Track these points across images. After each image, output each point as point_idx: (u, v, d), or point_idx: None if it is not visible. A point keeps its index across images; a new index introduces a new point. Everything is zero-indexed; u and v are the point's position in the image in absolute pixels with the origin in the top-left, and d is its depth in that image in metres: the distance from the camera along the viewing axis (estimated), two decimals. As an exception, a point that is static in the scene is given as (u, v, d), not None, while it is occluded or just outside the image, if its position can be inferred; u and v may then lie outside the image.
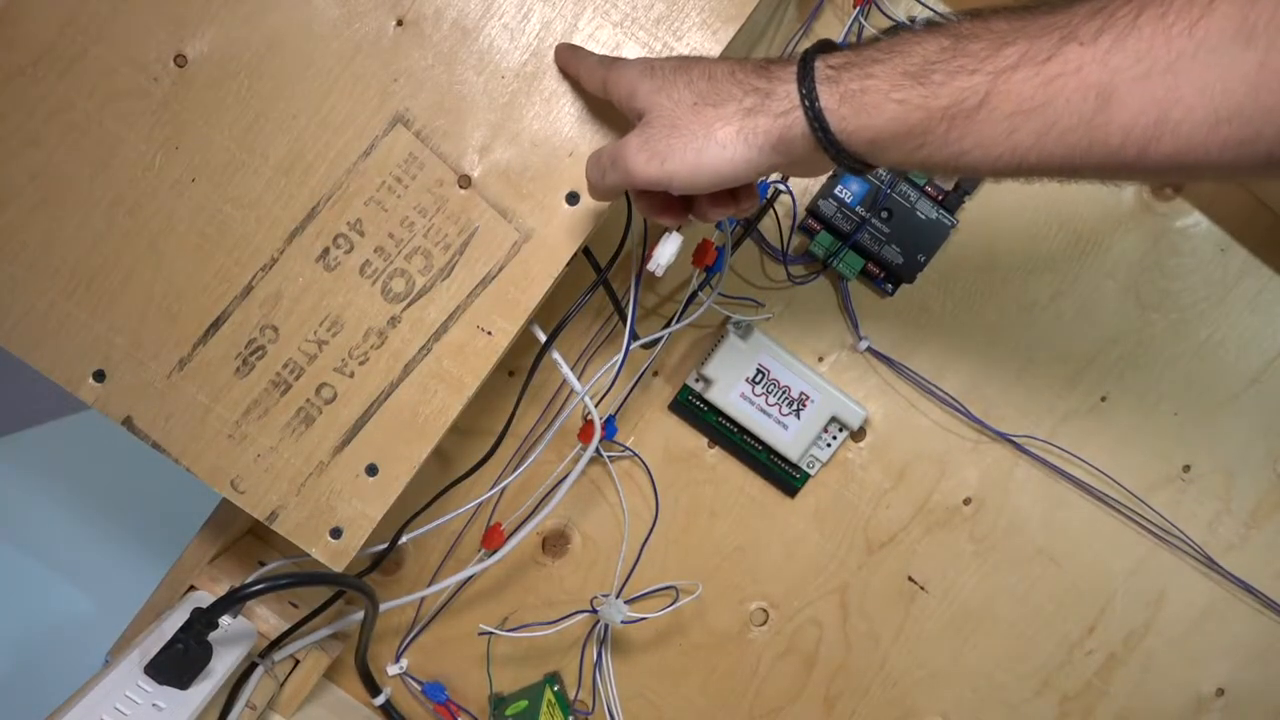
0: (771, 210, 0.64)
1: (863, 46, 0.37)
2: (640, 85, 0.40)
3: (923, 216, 0.62)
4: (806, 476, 0.66)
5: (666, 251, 0.44)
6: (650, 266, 0.44)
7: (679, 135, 0.38)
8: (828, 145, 0.36)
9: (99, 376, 0.47)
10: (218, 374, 0.47)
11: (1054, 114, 0.32)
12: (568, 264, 0.48)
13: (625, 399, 0.65)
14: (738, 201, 0.43)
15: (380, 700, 0.64)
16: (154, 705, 0.46)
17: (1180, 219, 0.65)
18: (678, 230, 0.44)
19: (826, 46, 0.38)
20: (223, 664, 0.51)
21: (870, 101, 0.35)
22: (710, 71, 0.39)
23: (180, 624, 0.48)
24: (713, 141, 0.38)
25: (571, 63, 0.45)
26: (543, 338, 0.53)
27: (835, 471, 0.67)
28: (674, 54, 0.46)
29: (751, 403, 0.64)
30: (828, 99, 0.36)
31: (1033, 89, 0.32)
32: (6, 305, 0.46)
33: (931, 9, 0.61)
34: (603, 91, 0.42)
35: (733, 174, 0.38)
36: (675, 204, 0.44)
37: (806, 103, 0.36)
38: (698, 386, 0.65)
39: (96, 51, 0.45)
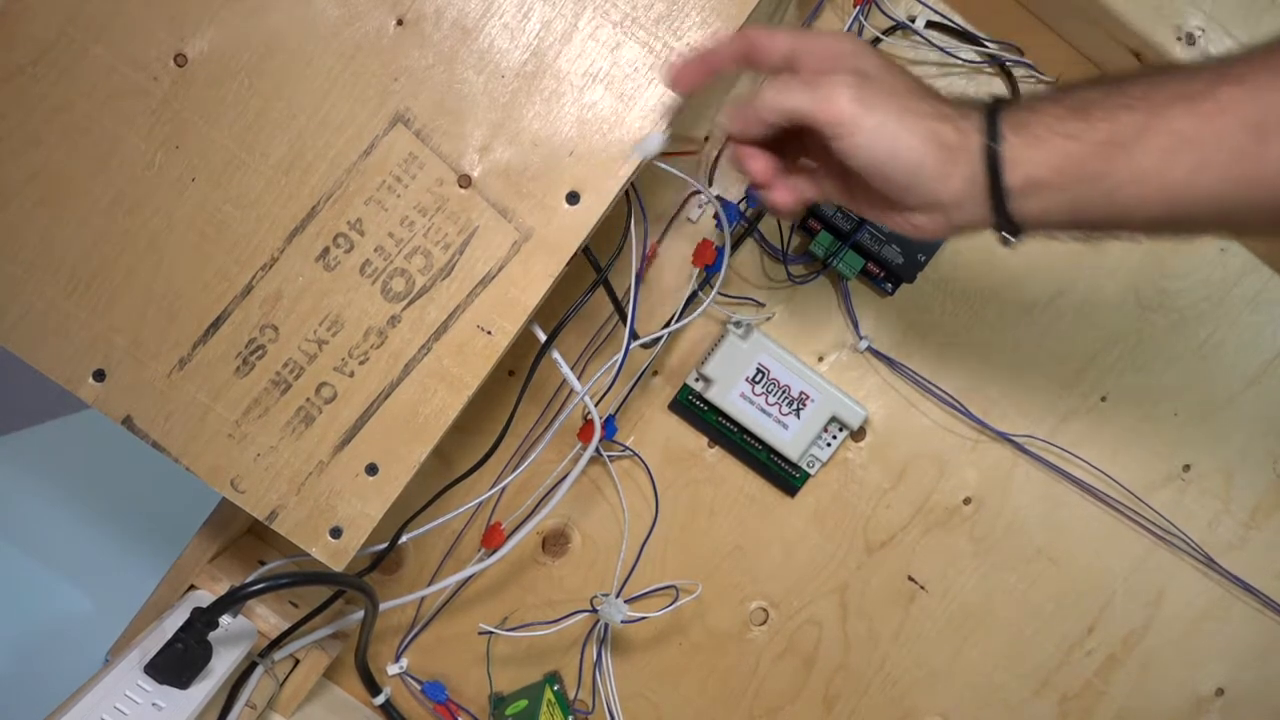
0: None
1: (1039, 93, 0.40)
2: (862, 52, 0.40)
3: (923, 216, 0.62)
4: (806, 476, 0.66)
5: (654, 139, 0.45)
6: (634, 148, 0.45)
7: (892, 98, 0.38)
8: (991, 169, 0.37)
9: (99, 376, 0.47)
10: (218, 373, 0.47)
11: (1208, 149, 0.33)
12: (568, 264, 0.48)
13: (625, 399, 0.65)
14: (850, 192, 0.43)
15: (380, 700, 0.64)
16: (154, 704, 0.46)
17: (1180, 219, 0.65)
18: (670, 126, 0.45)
19: (1012, 99, 0.40)
20: (223, 663, 0.51)
21: (1037, 132, 0.37)
22: (919, 80, 0.41)
23: (180, 623, 0.48)
24: (906, 122, 0.38)
25: (742, 39, 0.43)
26: (543, 337, 0.53)
27: (835, 471, 0.67)
28: (674, 52, 0.46)
29: (751, 402, 0.64)
30: (1003, 125, 0.38)
31: (1187, 124, 0.34)
32: (6, 304, 0.46)
33: (931, 8, 0.61)
34: (786, 58, 0.41)
35: (908, 162, 0.38)
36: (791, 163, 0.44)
37: (989, 128, 0.37)
38: (698, 386, 0.65)
39: (96, 51, 0.45)
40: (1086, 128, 0.36)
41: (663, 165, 0.53)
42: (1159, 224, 0.36)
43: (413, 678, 0.68)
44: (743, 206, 0.63)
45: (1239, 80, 0.33)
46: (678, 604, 0.65)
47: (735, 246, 0.64)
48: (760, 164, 0.43)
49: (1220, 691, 0.70)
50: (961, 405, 0.66)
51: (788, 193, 0.44)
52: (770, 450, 0.65)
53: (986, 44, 0.62)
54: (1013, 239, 0.40)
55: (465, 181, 0.46)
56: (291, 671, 0.61)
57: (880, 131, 0.38)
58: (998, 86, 0.63)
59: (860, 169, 0.40)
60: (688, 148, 0.61)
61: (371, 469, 0.48)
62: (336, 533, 0.49)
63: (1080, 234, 0.39)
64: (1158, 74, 0.36)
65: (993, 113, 0.38)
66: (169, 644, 0.47)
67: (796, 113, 0.40)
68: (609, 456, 0.66)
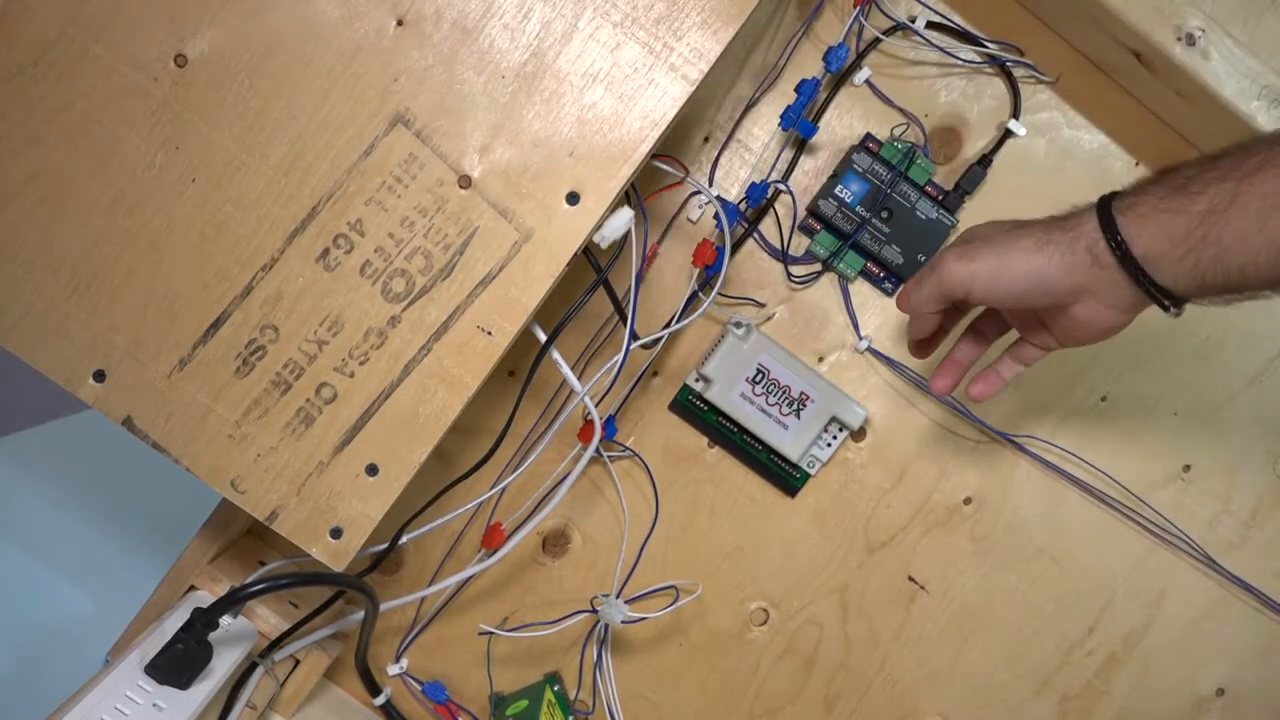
0: (772, 210, 0.64)
1: (1145, 182, 0.44)
2: (967, 232, 0.49)
3: (923, 216, 0.62)
4: (806, 476, 0.66)
5: (616, 223, 0.47)
6: (596, 238, 0.47)
7: (990, 245, 0.46)
8: (1114, 246, 0.43)
9: (99, 376, 0.47)
10: (218, 374, 0.47)
11: None
12: (568, 264, 0.48)
13: (625, 399, 0.65)
14: (1040, 332, 0.51)
15: (380, 700, 0.64)
16: (154, 705, 0.46)
17: (1180, 219, 0.65)
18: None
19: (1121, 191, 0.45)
20: (223, 664, 0.51)
21: (1142, 212, 0.42)
22: (1023, 221, 0.47)
23: (180, 624, 0.48)
24: (1015, 248, 0.45)
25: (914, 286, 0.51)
26: (543, 338, 0.53)
27: (835, 471, 0.67)
28: (674, 53, 0.46)
29: (751, 402, 0.64)
30: (1114, 210, 0.43)
31: (1274, 185, 0.38)
32: (6, 305, 0.46)
33: (931, 9, 0.61)
34: (943, 289, 0.48)
35: (1027, 275, 0.45)
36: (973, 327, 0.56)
37: (1100, 214, 0.43)
38: (698, 386, 0.65)
39: (96, 51, 0.45)
40: (1187, 202, 0.41)
41: (663, 166, 0.53)
42: (1266, 278, 0.40)
43: (413, 678, 0.68)
44: (743, 207, 0.63)
45: None
46: (678, 604, 0.65)
47: (735, 247, 0.64)
48: (942, 382, 0.56)
49: (1221, 691, 0.70)
50: (962, 406, 0.66)
51: (986, 385, 0.55)
52: (770, 450, 0.65)
53: (986, 44, 0.62)
54: (1175, 309, 0.45)
55: (465, 182, 0.46)
56: (292, 672, 0.61)
57: (995, 269, 0.46)
58: (998, 87, 0.63)
59: (1005, 305, 0.49)
60: (672, 181, 0.61)
61: (372, 469, 0.48)
62: (337, 533, 0.49)
63: (1221, 298, 0.44)
64: (1247, 146, 0.41)
65: (1104, 204, 0.44)
66: (169, 644, 0.47)
67: (934, 295, 0.49)
68: (609, 457, 0.66)
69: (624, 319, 0.55)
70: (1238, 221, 0.39)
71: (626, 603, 0.63)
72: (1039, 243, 0.45)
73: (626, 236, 0.48)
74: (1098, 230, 0.43)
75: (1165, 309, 0.45)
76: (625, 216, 0.47)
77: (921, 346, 0.57)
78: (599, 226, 0.47)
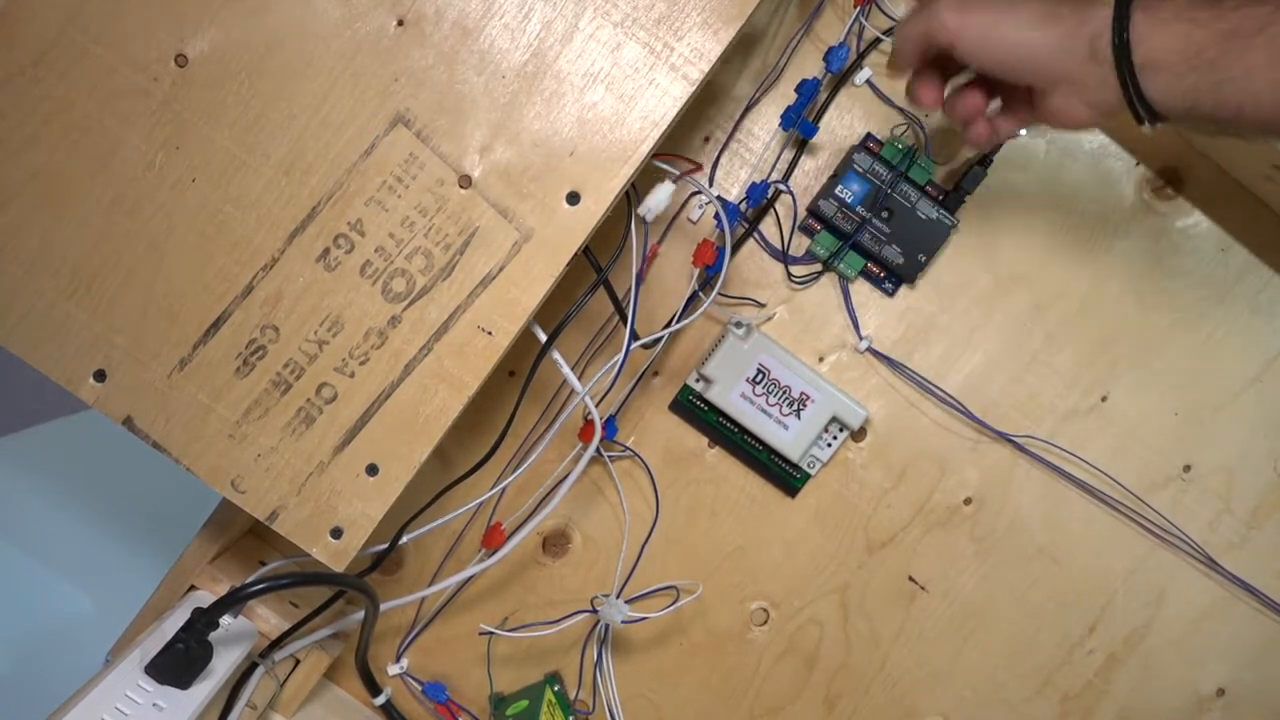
0: (772, 210, 0.64)
1: None
2: None
3: (923, 216, 0.62)
4: (807, 476, 0.66)
5: (658, 197, 0.46)
6: (640, 210, 0.46)
7: (991, 3, 0.43)
8: (1118, 44, 0.39)
9: (99, 376, 0.47)
10: (218, 374, 0.47)
11: None
12: (568, 264, 0.48)
13: (625, 399, 0.65)
14: (1011, 112, 0.48)
15: (381, 700, 0.64)
16: (154, 705, 0.46)
17: (1180, 219, 0.65)
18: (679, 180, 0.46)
19: None
20: (223, 664, 0.51)
21: (1164, 16, 0.38)
22: None
23: (181, 624, 0.48)
24: (1015, 14, 0.42)
25: (903, 54, 0.49)
26: (543, 338, 0.53)
27: (836, 471, 0.67)
28: (674, 53, 0.46)
29: (752, 402, 0.64)
30: (1135, 8, 0.39)
31: None
32: (7, 305, 0.46)
33: (932, 9, 0.61)
34: (928, 32, 0.45)
35: (1017, 45, 0.42)
36: (944, 86, 0.50)
37: (1117, 8, 0.39)
38: (698, 386, 0.65)
39: (97, 51, 0.45)
40: (1214, 16, 0.37)
41: (664, 166, 0.53)
42: (1271, 125, 0.38)
43: (413, 678, 0.68)
44: (743, 207, 0.63)
45: None
46: (678, 604, 0.65)
47: (736, 247, 0.64)
48: (927, 93, 0.50)
49: (1221, 691, 0.70)
50: (962, 405, 0.66)
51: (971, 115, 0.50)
52: (771, 450, 0.65)
53: (987, 44, 0.62)
54: (1148, 121, 0.41)
55: (466, 182, 0.46)
56: (292, 672, 0.61)
57: (987, 28, 0.43)
58: (998, 86, 0.63)
59: (985, 67, 0.45)
60: (689, 167, 0.61)
61: (372, 469, 0.48)
62: (337, 533, 0.49)
63: (1197, 126, 0.41)
64: None
65: (1122, 2, 0.40)
66: (170, 644, 0.47)
67: (919, 37, 0.46)
68: (609, 457, 0.66)
69: (624, 319, 0.55)
70: (1257, 53, 0.36)
71: (627, 603, 0.63)
72: (1042, 16, 0.41)
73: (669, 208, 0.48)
74: (1107, 21, 0.40)
75: (1140, 121, 0.42)
76: (667, 190, 0.46)
77: (924, 91, 0.51)
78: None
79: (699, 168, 0.63)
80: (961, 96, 0.50)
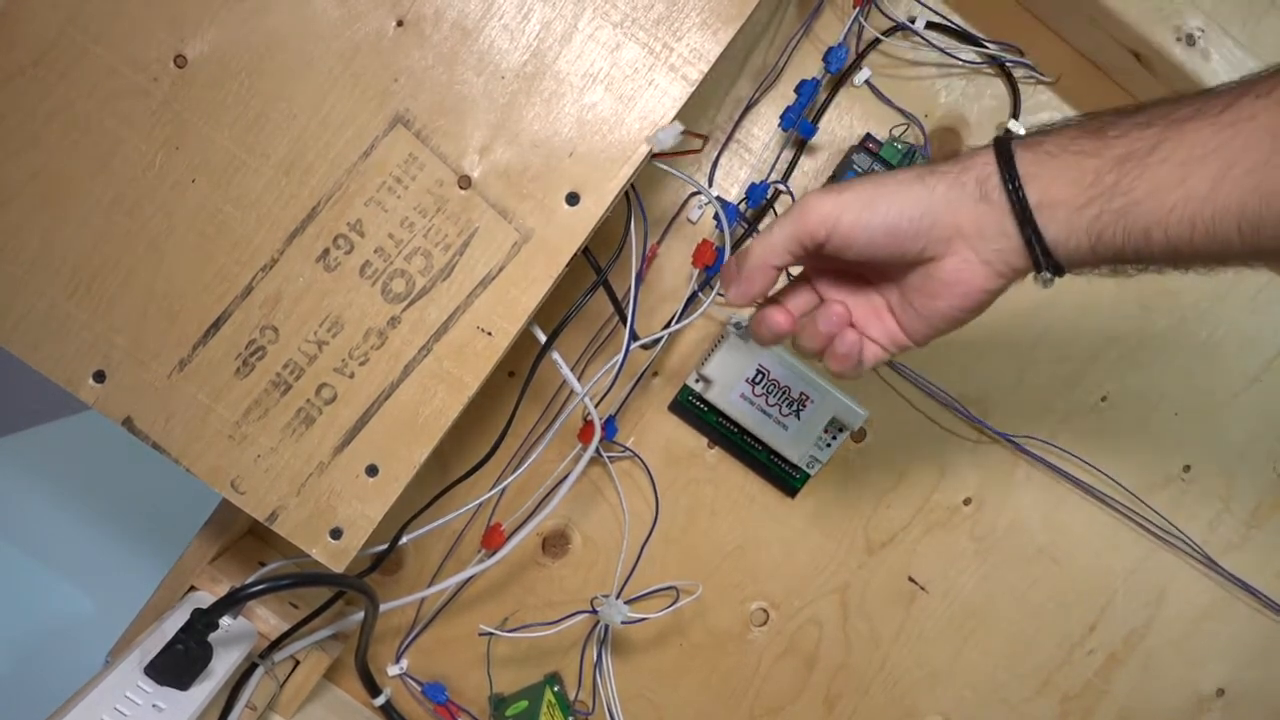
0: (772, 211, 0.64)
1: (1049, 124, 0.39)
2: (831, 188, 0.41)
3: (923, 216, 0.62)
4: (806, 477, 0.66)
5: (668, 132, 0.45)
6: (648, 141, 0.45)
7: (861, 180, 0.40)
8: (1007, 179, 0.37)
9: (99, 377, 0.47)
10: (218, 374, 0.47)
11: (1230, 156, 0.32)
12: (568, 264, 0.48)
13: (625, 399, 0.65)
14: (884, 313, 0.43)
15: (380, 701, 0.64)
16: (154, 706, 0.46)
17: (1180, 219, 0.65)
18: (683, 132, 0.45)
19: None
20: (223, 665, 0.51)
21: (1049, 150, 0.36)
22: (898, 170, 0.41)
23: (180, 624, 0.48)
24: (893, 179, 0.39)
25: (750, 272, 0.43)
26: (543, 338, 0.53)
27: (835, 472, 0.67)
28: (673, 53, 0.46)
29: (751, 403, 0.64)
30: (1014, 145, 0.38)
31: (1207, 134, 0.33)
32: (6, 305, 0.46)
33: (931, 9, 0.61)
34: (797, 236, 0.41)
35: (904, 207, 0.38)
36: (838, 279, 0.45)
37: (998, 148, 0.37)
38: (698, 387, 0.65)
39: (96, 51, 0.45)
40: (1101, 145, 0.35)
41: (663, 165, 0.53)
42: (1184, 247, 0.35)
43: (413, 679, 0.68)
44: (742, 207, 0.63)
45: (1265, 94, 0.32)
46: (678, 605, 0.65)
47: (735, 247, 0.64)
48: (779, 315, 0.44)
49: (1221, 692, 0.70)
50: (961, 406, 0.66)
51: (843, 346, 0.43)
52: (770, 451, 0.65)
53: (986, 44, 0.62)
54: (1050, 275, 0.39)
55: (465, 182, 0.46)
56: (292, 673, 0.61)
57: (868, 200, 0.39)
58: (998, 87, 0.63)
59: (867, 249, 0.40)
60: (692, 145, 0.61)
61: (372, 470, 0.48)
62: (337, 534, 0.49)
63: (1110, 266, 0.38)
64: (1179, 97, 0.36)
65: (1001, 141, 0.38)
66: (169, 645, 0.47)
67: (790, 237, 0.41)
68: (609, 457, 0.66)
69: (624, 319, 0.55)
70: (1156, 170, 0.34)
71: (626, 603, 0.63)
72: (919, 174, 0.39)
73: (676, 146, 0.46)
74: (992, 164, 0.37)
75: (1038, 270, 0.39)
76: (676, 128, 0.45)
77: (780, 315, 0.44)
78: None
79: (706, 139, 0.62)
80: (824, 308, 0.44)
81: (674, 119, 0.46)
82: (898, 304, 0.43)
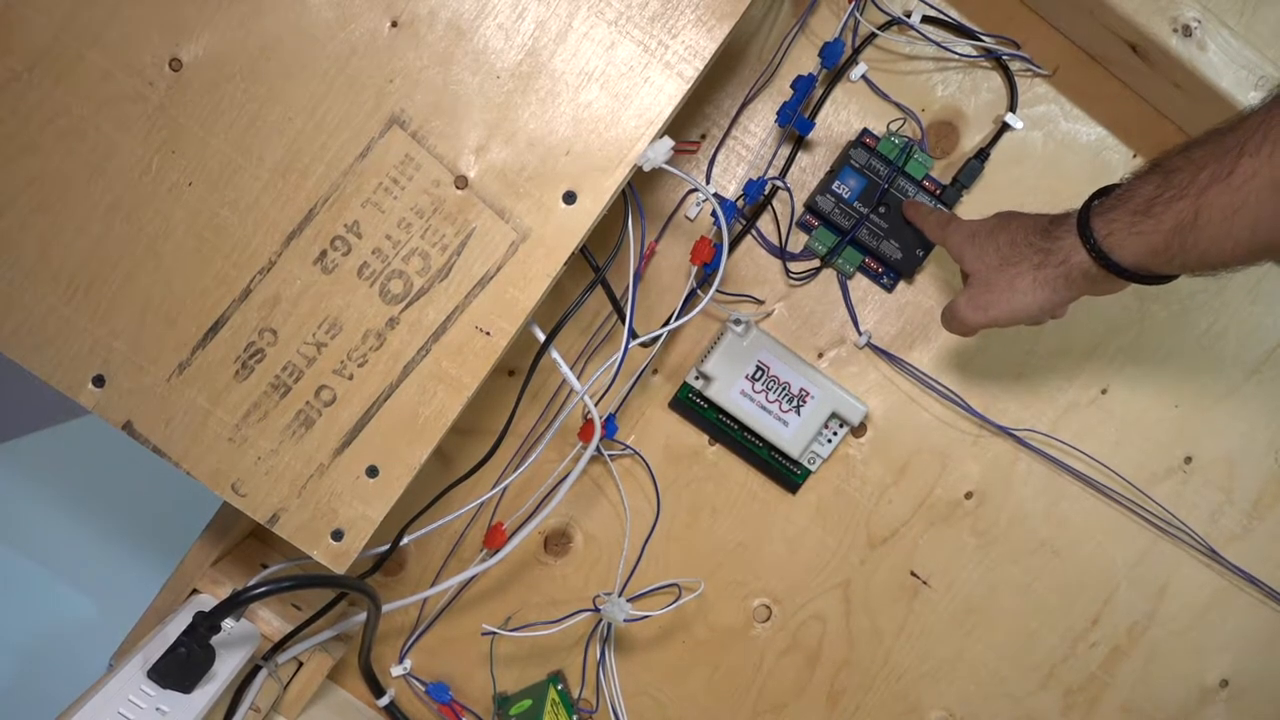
0: (770, 207, 0.64)
1: (1108, 198, 0.48)
2: (965, 250, 0.54)
3: (921, 211, 0.62)
4: (807, 473, 0.66)
5: (658, 149, 0.46)
6: (639, 160, 0.46)
7: (992, 291, 0.52)
8: (1110, 266, 0.48)
9: (98, 381, 0.47)
10: (217, 377, 0.47)
11: (1253, 210, 0.41)
12: (566, 263, 0.47)
13: (625, 397, 0.65)
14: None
15: (384, 701, 0.64)
16: (158, 709, 0.46)
17: (1179, 210, 0.65)
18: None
19: (1091, 204, 0.50)
20: (226, 667, 0.51)
21: (1118, 240, 0.47)
22: (1012, 237, 0.52)
23: (183, 627, 0.48)
24: (1016, 292, 0.51)
25: (916, 215, 0.60)
26: (542, 337, 0.53)
27: (836, 467, 0.67)
28: (669, 50, 0.46)
29: (752, 399, 0.64)
30: (1099, 240, 0.48)
31: (1227, 199, 0.42)
32: (5, 311, 0.46)
33: (928, 3, 0.61)
34: (942, 243, 0.58)
35: (1037, 310, 0.52)
36: None
37: (1085, 243, 0.48)
38: (698, 384, 0.65)
39: (92, 56, 0.45)
40: (1155, 224, 0.45)
41: (663, 166, 0.53)
42: (1250, 260, 0.45)
43: (417, 679, 0.68)
44: (740, 204, 0.63)
45: (1254, 152, 0.41)
46: (680, 602, 0.65)
47: (733, 244, 0.64)
48: None
49: (1225, 682, 0.70)
50: (962, 400, 0.66)
51: None
52: (771, 447, 0.65)
53: (983, 38, 0.62)
54: (1170, 281, 0.49)
55: (462, 182, 0.46)
56: (295, 674, 0.61)
57: (1009, 315, 0.52)
58: (995, 80, 0.63)
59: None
60: (688, 146, 0.61)
61: (372, 471, 0.48)
62: (338, 535, 0.49)
63: (1208, 274, 0.48)
64: (1194, 159, 0.44)
65: (1086, 234, 0.48)
66: (172, 648, 0.47)
67: (966, 334, 0.56)
68: (610, 455, 0.66)
69: (622, 317, 0.55)
70: (1206, 230, 0.43)
71: (629, 601, 0.63)
72: (1035, 282, 0.51)
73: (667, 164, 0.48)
74: (1088, 259, 0.48)
75: (1159, 283, 0.49)
76: (666, 144, 0.47)
77: None
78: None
79: (703, 137, 0.63)
80: None
81: (664, 134, 0.46)
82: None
